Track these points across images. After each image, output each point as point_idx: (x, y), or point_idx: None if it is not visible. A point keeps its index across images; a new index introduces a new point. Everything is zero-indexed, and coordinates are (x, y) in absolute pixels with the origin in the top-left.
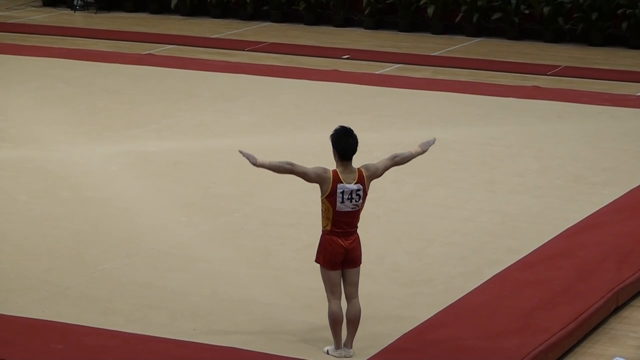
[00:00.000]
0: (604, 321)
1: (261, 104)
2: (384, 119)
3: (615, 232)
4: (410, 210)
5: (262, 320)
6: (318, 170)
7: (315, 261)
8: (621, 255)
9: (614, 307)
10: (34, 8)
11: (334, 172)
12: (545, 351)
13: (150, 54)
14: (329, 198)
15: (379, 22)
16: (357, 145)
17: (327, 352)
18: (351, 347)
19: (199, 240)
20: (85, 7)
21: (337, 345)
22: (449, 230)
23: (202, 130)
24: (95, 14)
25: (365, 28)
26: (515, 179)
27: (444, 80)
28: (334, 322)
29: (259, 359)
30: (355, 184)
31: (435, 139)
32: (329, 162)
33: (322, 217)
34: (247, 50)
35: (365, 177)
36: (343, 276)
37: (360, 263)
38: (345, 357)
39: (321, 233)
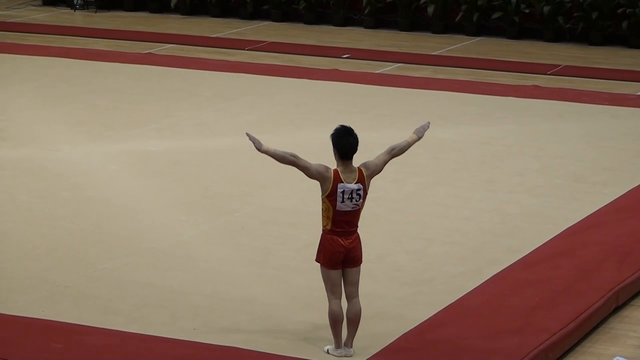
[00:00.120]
0: (604, 321)
1: (261, 103)
2: (384, 118)
3: (615, 231)
4: (410, 209)
5: (262, 320)
6: (320, 168)
7: (316, 260)
8: (621, 255)
9: (614, 306)
10: (34, 7)
11: (335, 171)
12: (546, 351)
13: (150, 53)
14: (330, 197)
15: (379, 21)
16: (357, 145)
17: (328, 352)
18: (351, 347)
19: (199, 240)
20: (85, 6)
21: (338, 345)
22: (449, 230)
23: (202, 130)
24: (95, 13)
25: (365, 27)
26: (516, 178)
27: (444, 79)
28: (334, 321)
29: (259, 359)
30: (355, 183)
31: (429, 123)
32: (329, 161)
33: (323, 216)
34: (247, 50)
35: (366, 177)
36: (343, 276)
37: (361, 262)
38: (345, 356)
39: (321, 232)
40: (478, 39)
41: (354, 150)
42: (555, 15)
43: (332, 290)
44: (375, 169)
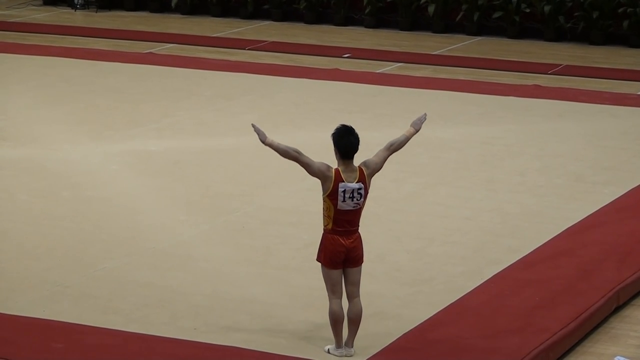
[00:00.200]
0: (604, 320)
1: (261, 103)
2: (385, 117)
3: (616, 231)
4: (410, 209)
5: (262, 319)
6: (322, 167)
7: (317, 260)
8: (622, 255)
9: (615, 306)
10: (34, 7)
11: (336, 170)
12: (546, 350)
13: (150, 52)
14: (331, 197)
15: (379, 20)
16: (358, 144)
17: (328, 351)
18: (352, 346)
19: (199, 240)
20: (85, 5)
21: (338, 344)
22: (450, 230)
23: (203, 129)
24: (96, 12)
25: (366, 27)
26: (516, 178)
27: (445, 79)
28: (335, 321)
29: (260, 358)
30: (356, 182)
31: (425, 114)
32: (329, 161)
33: (324, 215)
34: (248, 49)
35: (366, 176)
36: (344, 275)
37: (362, 262)
38: (346, 356)
39: (322, 232)
40: (479, 38)
41: (355, 149)
42: (556, 14)
43: (332, 290)
44: (375, 167)
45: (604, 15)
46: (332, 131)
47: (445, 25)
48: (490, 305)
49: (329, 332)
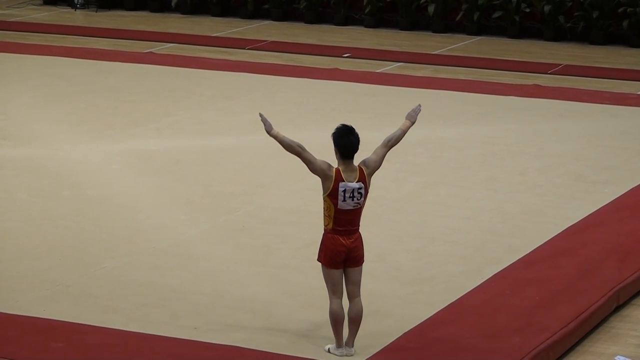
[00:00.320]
0: (604, 320)
1: (262, 103)
2: (385, 117)
3: (616, 230)
4: (411, 209)
5: (263, 319)
6: (323, 165)
7: (317, 260)
8: (622, 254)
9: (615, 305)
10: (34, 6)
11: (337, 170)
12: (546, 350)
13: (150, 52)
14: (331, 196)
15: (379, 20)
16: (358, 144)
17: (329, 351)
18: (352, 346)
19: (199, 239)
20: (85, 5)
21: (339, 344)
22: (450, 229)
23: (203, 129)
24: (96, 12)
25: (366, 26)
26: (516, 177)
27: (445, 78)
28: (335, 321)
29: (260, 358)
30: (356, 182)
31: (420, 105)
32: (329, 160)
33: (324, 215)
34: (248, 49)
35: (366, 175)
36: (345, 275)
37: (363, 262)
38: (346, 355)
39: (323, 231)
40: (479, 38)
41: (355, 149)
42: (556, 14)
43: (333, 290)
44: (375, 166)
45: (604, 15)
46: (333, 131)
47: (445, 25)
48: (491, 305)
49: (329, 332)
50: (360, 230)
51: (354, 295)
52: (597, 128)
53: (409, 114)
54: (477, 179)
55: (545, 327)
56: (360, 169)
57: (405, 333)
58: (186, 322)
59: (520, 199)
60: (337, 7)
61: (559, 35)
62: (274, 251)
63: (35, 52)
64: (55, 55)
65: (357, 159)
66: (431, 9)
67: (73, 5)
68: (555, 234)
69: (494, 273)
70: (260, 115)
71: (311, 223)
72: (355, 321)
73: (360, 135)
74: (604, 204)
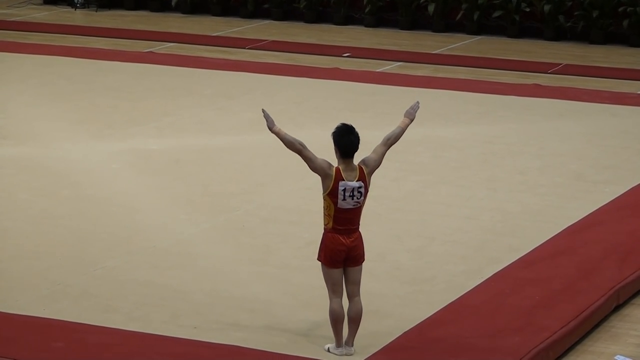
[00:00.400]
0: (604, 319)
1: (262, 102)
2: (385, 116)
3: (616, 230)
4: (411, 208)
5: (262, 318)
6: (324, 164)
7: (317, 259)
8: (622, 253)
9: (615, 305)
10: (34, 6)
11: (337, 169)
12: (546, 349)
13: (150, 51)
14: (331, 195)
15: (379, 20)
16: (358, 143)
17: (328, 350)
18: (352, 345)
19: (199, 238)
20: (85, 4)
21: (339, 343)
22: (450, 229)
23: (203, 128)
24: (96, 11)
25: (366, 26)
26: (516, 177)
27: (445, 78)
28: (335, 320)
29: (260, 357)
30: (356, 181)
31: (418, 102)
32: (330, 160)
33: (324, 214)
34: (248, 48)
35: (366, 174)
36: (345, 274)
37: (363, 261)
38: (346, 355)
39: (323, 231)
40: (479, 37)
41: (355, 148)
42: (556, 13)
43: (333, 289)
44: (374, 165)
45: (604, 15)
46: (333, 130)
47: (445, 24)
48: (491, 304)
49: (329, 331)
50: (360, 230)
51: (353, 295)
52: (598, 127)
53: (407, 111)
54: (477, 178)
55: (545, 326)
56: (360, 168)
57: (405, 332)
58: (186, 321)
59: (521, 198)
60: (337, 7)
61: (559, 34)
62: (274, 250)
63: (35, 51)
64: (55, 54)
65: (357, 158)
66: (431, 8)
67: (73, 5)
68: (556, 233)
69: (494, 272)
70: (263, 111)
71: (311, 222)
72: (355, 320)
73: (360, 135)
74: (604, 203)
